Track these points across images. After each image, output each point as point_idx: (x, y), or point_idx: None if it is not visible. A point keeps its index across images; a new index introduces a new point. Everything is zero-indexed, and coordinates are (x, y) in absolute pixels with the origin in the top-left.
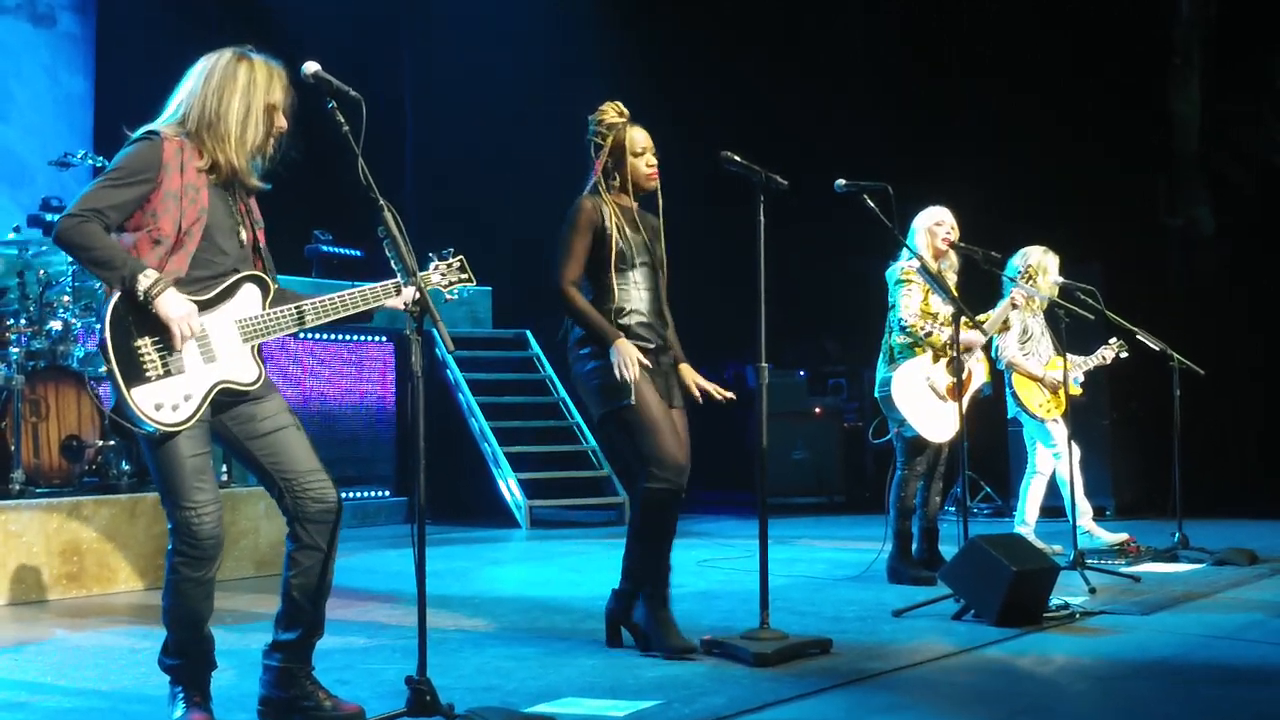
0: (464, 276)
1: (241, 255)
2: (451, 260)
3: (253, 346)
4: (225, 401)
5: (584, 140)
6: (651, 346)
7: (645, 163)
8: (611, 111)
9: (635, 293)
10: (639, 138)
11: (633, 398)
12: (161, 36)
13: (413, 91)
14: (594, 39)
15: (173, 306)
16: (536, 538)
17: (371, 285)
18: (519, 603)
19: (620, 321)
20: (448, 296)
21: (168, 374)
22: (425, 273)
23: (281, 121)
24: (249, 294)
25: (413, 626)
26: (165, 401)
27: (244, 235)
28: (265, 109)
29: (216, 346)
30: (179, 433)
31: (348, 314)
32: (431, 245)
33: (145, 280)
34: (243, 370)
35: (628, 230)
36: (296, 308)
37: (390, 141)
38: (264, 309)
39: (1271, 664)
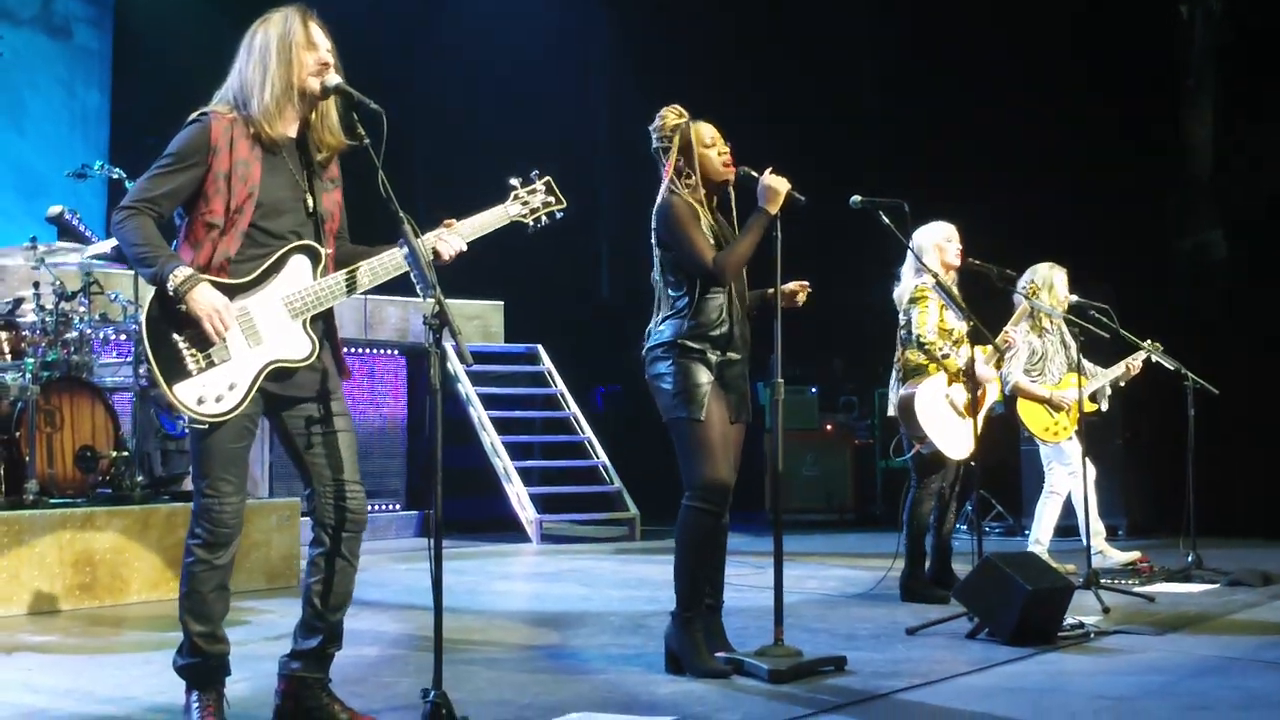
0: (551, 200)
1: (301, 224)
2: (536, 183)
3: (304, 321)
4: (288, 397)
5: (647, 151)
6: (737, 358)
7: (718, 152)
8: (671, 114)
9: (729, 302)
10: (706, 130)
11: (703, 413)
12: (177, 51)
13: (424, 100)
14: (606, 51)
15: (201, 303)
16: (547, 552)
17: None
18: (531, 617)
19: (712, 334)
20: (531, 227)
21: (211, 365)
22: (502, 205)
23: (318, 56)
24: (297, 266)
25: (424, 639)
26: (208, 394)
27: (309, 202)
28: (282, 58)
29: (262, 327)
30: (224, 423)
31: (401, 271)
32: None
33: (175, 279)
34: (293, 347)
35: (716, 234)
36: (348, 272)
37: (400, 150)
38: (314, 279)
39: None
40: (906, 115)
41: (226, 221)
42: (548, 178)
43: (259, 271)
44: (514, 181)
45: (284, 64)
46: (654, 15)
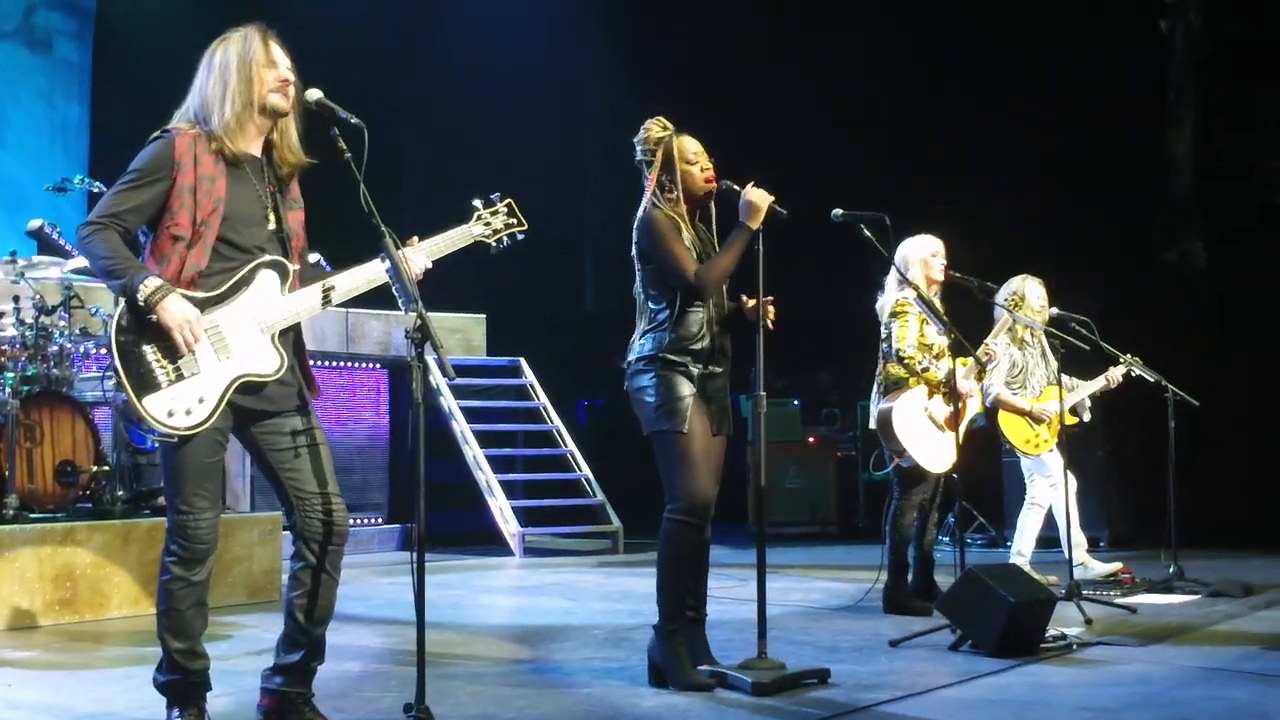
0: (512, 222)
1: (268, 240)
2: (498, 205)
3: (273, 335)
4: (258, 411)
5: (632, 162)
6: (719, 370)
7: (700, 168)
8: (656, 127)
9: (707, 313)
10: (689, 145)
11: (685, 426)
12: (158, 64)
13: (409, 113)
14: (593, 61)
15: (172, 313)
16: (530, 566)
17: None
18: (514, 631)
19: (693, 348)
20: (494, 248)
21: (180, 378)
22: (466, 225)
23: (279, 74)
24: (266, 281)
25: (406, 653)
26: (177, 407)
27: (272, 219)
28: (242, 75)
29: (232, 341)
30: (193, 437)
31: (373, 287)
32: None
33: (145, 289)
34: (262, 361)
35: (697, 247)
36: (322, 287)
37: (385, 162)
38: (282, 295)
39: (1270, 696)
40: (907, 120)
41: (193, 234)
42: (509, 200)
43: (228, 285)
44: (477, 203)
45: (244, 80)
46: (653, 22)
